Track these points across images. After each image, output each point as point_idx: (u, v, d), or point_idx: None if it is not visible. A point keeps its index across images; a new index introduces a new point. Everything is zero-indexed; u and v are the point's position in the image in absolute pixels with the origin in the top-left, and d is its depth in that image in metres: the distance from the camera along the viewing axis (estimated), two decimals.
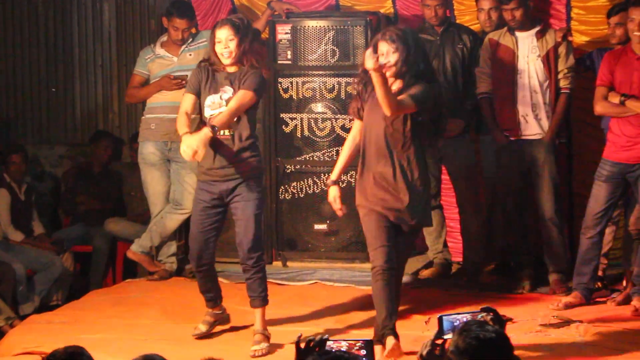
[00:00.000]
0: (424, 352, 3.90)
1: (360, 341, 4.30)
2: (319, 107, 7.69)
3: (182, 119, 6.01)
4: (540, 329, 6.26)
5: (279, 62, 7.73)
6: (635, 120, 6.57)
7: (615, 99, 6.63)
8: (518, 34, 7.18)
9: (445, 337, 4.13)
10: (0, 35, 9.50)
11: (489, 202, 7.61)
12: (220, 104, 5.99)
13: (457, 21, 7.86)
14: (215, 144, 5.95)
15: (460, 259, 7.74)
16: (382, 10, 7.99)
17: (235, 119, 5.97)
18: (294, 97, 7.72)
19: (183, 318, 6.65)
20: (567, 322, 6.34)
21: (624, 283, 6.97)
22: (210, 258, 6.20)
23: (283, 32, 7.74)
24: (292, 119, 7.76)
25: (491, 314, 4.12)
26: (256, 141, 6.12)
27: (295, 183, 7.82)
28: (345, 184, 7.33)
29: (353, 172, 6.87)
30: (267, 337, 6.03)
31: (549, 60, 7.10)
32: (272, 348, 5.99)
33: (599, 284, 6.98)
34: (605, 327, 6.25)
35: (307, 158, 7.77)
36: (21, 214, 8.30)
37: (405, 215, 5.69)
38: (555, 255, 7.17)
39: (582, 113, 7.56)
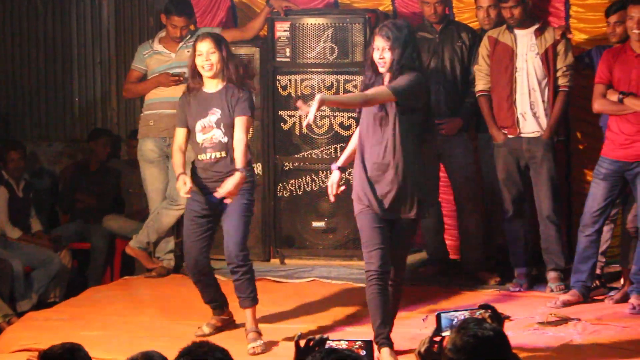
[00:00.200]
0: (422, 350, 3.89)
1: (360, 341, 4.31)
2: None
3: (177, 156, 6.12)
4: (538, 326, 6.26)
5: (278, 59, 7.73)
6: (633, 118, 6.57)
7: (613, 96, 6.63)
8: (517, 31, 7.17)
9: (443, 334, 4.13)
10: None
11: (487, 200, 7.60)
12: (211, 127, 6.03)
13: (456, 19, 7.86)
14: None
15: (459, 257, 7.75)
16: (380, 8, 8.00)
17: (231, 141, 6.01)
18: (293, 94, 7.72)
19: (181, 315, 6.65)
20: (564, 320, 6.34)
21: (622, 281, 6.97)
22: (207, 267, 6.20)
23: (282, 29, 7.74)
24: (290, 116, 7.76)
25: (489, 311, 4.11)
26: (250, 160, 6.11)
27: (293, 180, 7.82)
28: (344, 182, 7.31)
29: (352, 170, 6.83)
30: (260, 335, 6.02)
31: (548, 58, 7.09)
32: (268, 345, 5.98)
33: (597, 282, 6.99)
34: (603, 325, 6.26)
35: (306, 155, 7.77)
36: (19, 211, 8.28)
37: (400, 206, 5.61)
38: (554, 253, 7.17)
39: (580, 111, 7.56)
